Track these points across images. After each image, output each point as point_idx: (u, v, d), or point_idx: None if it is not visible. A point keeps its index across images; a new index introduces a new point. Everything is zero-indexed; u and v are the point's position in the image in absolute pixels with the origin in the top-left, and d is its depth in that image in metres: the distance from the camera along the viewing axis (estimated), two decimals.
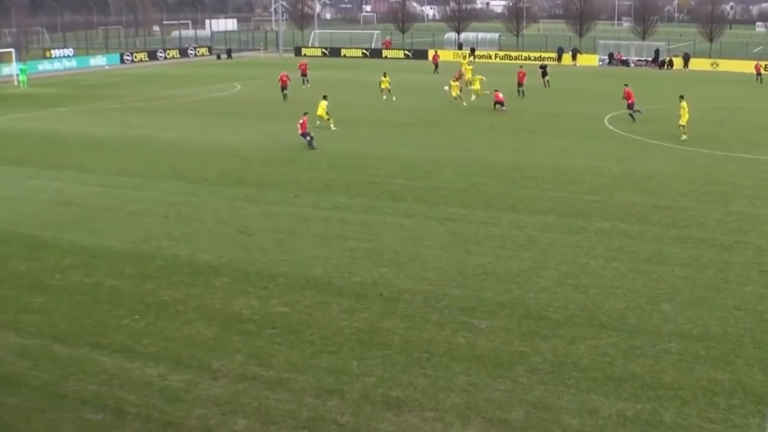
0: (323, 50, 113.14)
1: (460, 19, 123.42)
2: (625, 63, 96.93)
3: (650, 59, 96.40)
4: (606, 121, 49.28)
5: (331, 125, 45.94)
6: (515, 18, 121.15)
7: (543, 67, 71.17)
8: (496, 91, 53.95)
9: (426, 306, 19.88)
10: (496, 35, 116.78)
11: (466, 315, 19.27)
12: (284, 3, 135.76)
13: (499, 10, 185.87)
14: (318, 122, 45.31)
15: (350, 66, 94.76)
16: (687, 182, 33.14)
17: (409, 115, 53.13)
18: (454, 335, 18.16)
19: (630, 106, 48.86)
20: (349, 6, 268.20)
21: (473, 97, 58.14)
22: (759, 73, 77.56)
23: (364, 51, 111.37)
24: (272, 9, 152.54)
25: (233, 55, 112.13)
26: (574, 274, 21.99)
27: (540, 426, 14.40)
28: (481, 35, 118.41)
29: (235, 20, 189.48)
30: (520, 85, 62.15)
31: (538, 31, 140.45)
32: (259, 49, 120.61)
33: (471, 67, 66.47)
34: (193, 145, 42.68)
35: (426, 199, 30.35)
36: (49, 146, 43.28)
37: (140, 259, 23.76)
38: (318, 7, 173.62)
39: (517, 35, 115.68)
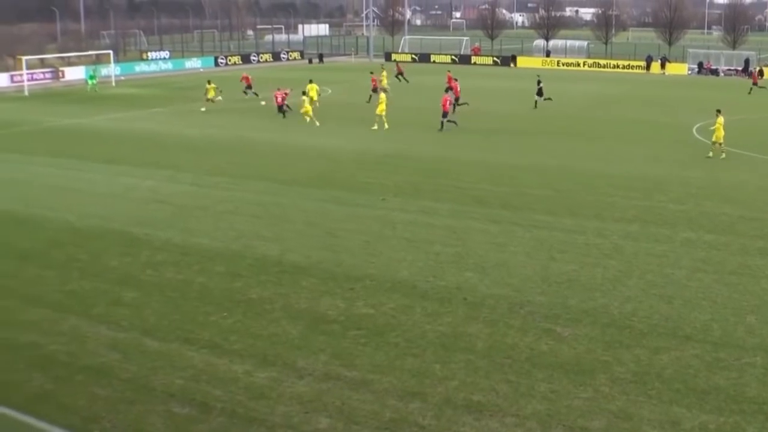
0: (413, 56, 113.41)
1: (548, 27, 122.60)
2: (715, 72, 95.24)
3: (740, 69, 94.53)
4: (694, 131, 48.50)
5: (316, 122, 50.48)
6: (604, 26, 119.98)
7: (539, 83, 61.47)
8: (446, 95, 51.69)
9: (509, 312, 19.89)
10: (584, 43, 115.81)
11: (549, 322, 19.24)
12: (375, 9, 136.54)
13: (588, 17, 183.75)
14: (308, 118, 50.86)
15: (439, 72, 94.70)
16: None
17: (495, 120, 53.11)
18: (536, 342, 18.15)
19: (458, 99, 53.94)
20: (439, 12, 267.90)
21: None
22: None
23: (453, 57, 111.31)
24: (363, 15, 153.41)
25: (325, 59, 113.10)
26: (659, 284, 21.76)
27: None
28: (569, 42, 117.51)
29: (327, 25, 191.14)
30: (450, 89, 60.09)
31: (627, 39, 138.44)
32: (350, 54, 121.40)
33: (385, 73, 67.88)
34: (283, 146, 43.27)
35: (511, 204, 30.34)
36: (143, 146, 44.33)
37: (230, 258, 24.20)
38: (408, 13, 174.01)
39: (606, 43, 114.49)
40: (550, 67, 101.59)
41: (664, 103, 64.64)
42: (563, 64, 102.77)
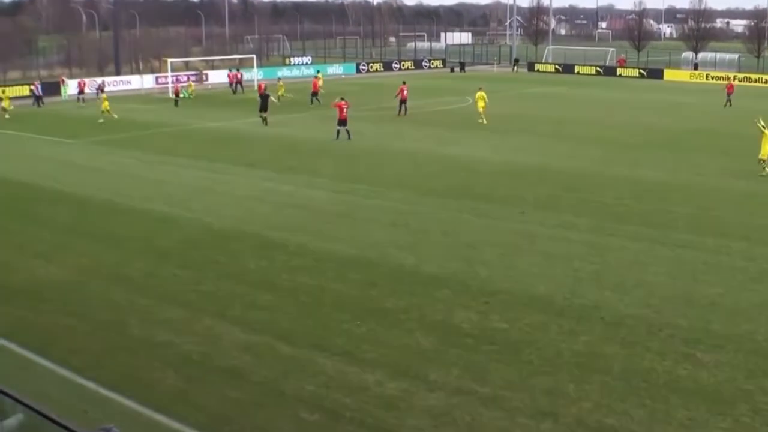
0: (556, 66, 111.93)
1: (697, 39, 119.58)
2: None
3: None
4: None
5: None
6: (756, 38, 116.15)
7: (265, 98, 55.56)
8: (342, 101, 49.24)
9: (648, 334, 19.19)
10: (735, 56, 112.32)
11: (689, 346, 18.44)
12: (519, 18, 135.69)
13: (739, 29, 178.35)
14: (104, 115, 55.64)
15: (582, 83, 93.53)
16: None
17: (644, 135, 51.85)
18: (675, 366, 17.43)
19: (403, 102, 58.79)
20: (584, 22, 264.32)
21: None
22: None
23: (597, 68, 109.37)
24: (507, 23, 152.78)
25: (466, 68, 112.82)
26: None
27: None
28: (719, 55, 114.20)
29: (470, 34, 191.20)
30: (403, 102, 59.36)
31: None
32: (492, 64, 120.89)
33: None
34: (421, 155, 43.19)
35: (654, 222, 29.40)
36: (282, 150, 45.03)
37: (365, 266, 24.16)
38: (553, 23, 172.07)
39: (758, 56, 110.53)
40: (698, 80, 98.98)
41: None
42: (712, 78, 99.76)
